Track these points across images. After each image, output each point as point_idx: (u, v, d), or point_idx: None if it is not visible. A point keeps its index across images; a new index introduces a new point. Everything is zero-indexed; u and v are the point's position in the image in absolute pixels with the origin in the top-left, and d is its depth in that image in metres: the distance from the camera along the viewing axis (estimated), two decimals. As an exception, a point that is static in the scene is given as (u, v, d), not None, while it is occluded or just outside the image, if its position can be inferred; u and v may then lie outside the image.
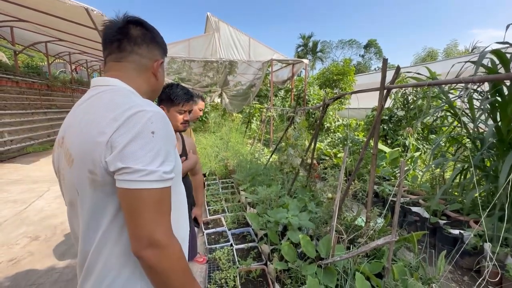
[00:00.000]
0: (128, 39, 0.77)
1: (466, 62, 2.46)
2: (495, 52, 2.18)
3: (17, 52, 8.98)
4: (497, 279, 2.01)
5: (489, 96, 2.39)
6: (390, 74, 1.91)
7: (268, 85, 9.05)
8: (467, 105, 2.68)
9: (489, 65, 2.34)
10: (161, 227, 0.62)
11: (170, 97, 1.52)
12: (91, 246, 0.68)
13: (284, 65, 8.38)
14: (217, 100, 8.91)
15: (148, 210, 0.61)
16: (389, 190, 3.42)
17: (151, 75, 0.82)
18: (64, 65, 17.80)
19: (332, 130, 8.27)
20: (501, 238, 1.62)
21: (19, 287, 2.13)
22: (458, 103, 3.13)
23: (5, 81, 7.22)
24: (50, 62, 11.26)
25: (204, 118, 8.55)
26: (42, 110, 8.61)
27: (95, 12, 4.76)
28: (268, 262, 2.20)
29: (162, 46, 0.85)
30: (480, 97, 2.62)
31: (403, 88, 5.37)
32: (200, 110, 2.39)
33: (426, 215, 2.82)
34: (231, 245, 2.61)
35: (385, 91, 1.94)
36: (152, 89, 0.85)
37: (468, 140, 2.98)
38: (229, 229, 2.90)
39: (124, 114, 0.62)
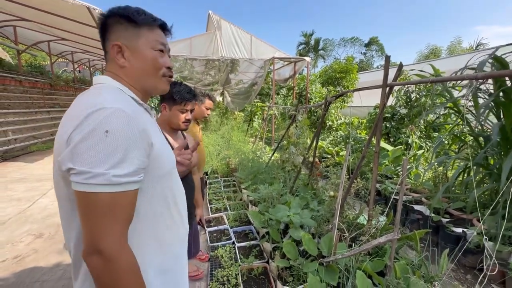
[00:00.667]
0: (102, 35, 0.75)
1: (466, 68, 2.43)
2: (495, 58, 2.16)
3: (20, 52, 9.03)
4: (495, 274, 2.00)
5: (492, 93, 2.37)
6: (392, 72, 1.90)
7: (270, 83, 9.03)
8: (471, 102, 2.65)
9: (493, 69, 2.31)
10: (108, 237, 0.57)
11: (172, 95, 1.52)
12: (70, 244, 0.68)
13: (286, 63, 8.35)
14: (219, 98, 8.90)
15: (94, 216, 0.57)
16: (392, 188, 3.41)
17: (117, 66, 0.73)
18: (66, 64, 17.89)
19: (334, 129, 8.25)
20: (499, 235, 1.60)
21: (24, 284, 2.16)
22: (462, 101, 3.10)
23: (9, 80, 7.28)
24: (53, 61, 11.31)
25: (205, 117, 8.54)
26: (45, 109, 8.67)
27: (97, 11, 4.77)
28: (270, 260, 2.20)
29: (124, 24, 0.72)
30: (484, 95, 2.60)
31: (406, 86, 5.33)
32: (208, 109, 2.36)
33: (428, 213, 2.81)
34: (233, 243, 2.61)
35: (387, 88, 1.92)
36: (133, 76, 0.75)
37: (471, 138, 2.96)
38: (231, 227, 2.91)
39: (84, 112, 0.58)
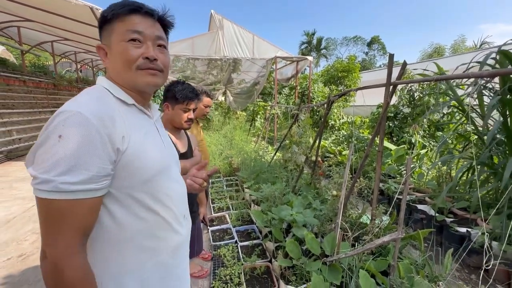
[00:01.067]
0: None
1: (471, 62, 2.41)
2: (502, 52, 2.13)
3: (24, 52, 9.10)
4: (501, 274, 1.98)
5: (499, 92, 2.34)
6: (396, 71, 1.89)
7: (272, 82, 9.02)
8: (476, 101, 2.63)
9: (497, 66, 2.29)
10: (54, 244, 0.56)
11: (175, 95, 1.52)
12: None
13: (288, 62, 8.33)
14: (221, 98, 8.91)
15: (44, 221, 0.56)
16: (395, 187, 3.39)
17: (105, 66, 0.73)
18: (70, 64, 18.00)
19: (336, 128, 8.22)
20: (505, 235, 1.59)
21: (28, 282, 2.17)
22: (466, 99, 3.08)
23: (13, 81, 7.35)
24: (56, 61, 11.39)
25: (208, 116, 8.57)
26: (49, 109, 8.72)
27: (100, 11, 4.79)
28: (273, 259, 2.20)
29: (102, 23, 0.70)
30: (489, 92, 2.57)
31: (409, 85, 5.30)
32: (206, 107, 2.34)
33: (432, 213, 2.79)
34: (236, 242, 2.61)
35: (391, 87, 1.91)
36: (116, 76, 0.71)
37: (476, 137, 2.93)
38: (234, 226, 2.91)
39: (53, 116, 0.58)
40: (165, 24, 0.77)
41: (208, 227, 2.87)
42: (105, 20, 0.69)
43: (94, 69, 16.52)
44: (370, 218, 2.21)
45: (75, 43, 9.68)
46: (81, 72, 16.63)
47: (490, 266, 1.24)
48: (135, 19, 0.68)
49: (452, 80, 2.97)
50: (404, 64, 1.86)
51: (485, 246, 1.22)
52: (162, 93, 1.68)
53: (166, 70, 0.76)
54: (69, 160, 0.54)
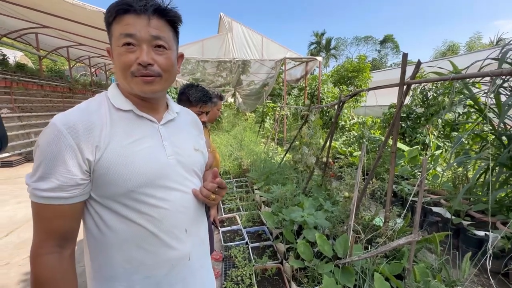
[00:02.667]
0: None
1: (487, 58, 2.33)
2: None
3: (41, 57, 9.45)
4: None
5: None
6: (409, 70, 1.85)
7: (281, 83, 9.00)
8: (493, 100, 2.54)
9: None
10: (33, 241, 0.61)
11: (189, 97, 1.54)
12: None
13: (297, 63, 8.31)
14: (231, 100, 8.97)
15: (32, 220, 0.62)
16: (408, 189, 3.31)
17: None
18: (84, 69, 18.55)
19: (347, 129, 8.12)
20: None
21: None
22: (482, 99, 2.98)
23: (31, 85, 7.64)
24: (71, 66, 11.77)
25: (218, 118, 8.64)
26: (64, 112, 9.03)
27: (113, 16, 4.93)
28: (284, 261, 2.19)
29: (107, 27, 0.67)
30: (505, 91, 2.48)
31: (422, 84, 5.18)
32: (218, 110, 2.34)
33: (448, 215, 2.71)
34: (247, 243, 2.62)
35: (405, 86, 1.88)
36: (116, 77, 0.71)
37: (493, 137, 2.83)
38: (244, 228, 2.92)
39: None
40: (170, 20, 0.67)
41: (219, 229, 2.89)
42: (108, 23, 0.66)
43: (107, 72, 16.98)
44: (383, 220, 2.17)
45: (89, 48, 9.99)
46: (96, 76, 17.11)
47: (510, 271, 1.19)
48: (128, 19, 0.62)
49: (468, 79, 2.89)
50: (418, 63, 1.82)
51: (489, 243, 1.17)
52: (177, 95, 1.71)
53: (168, 73, 0.69)
54: (42, 168, 0.58)
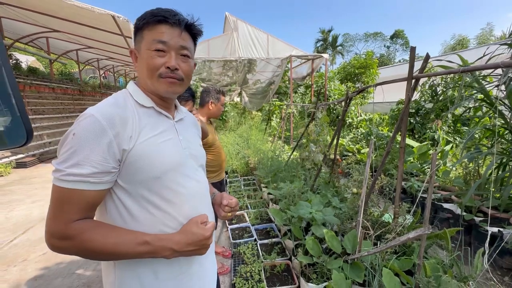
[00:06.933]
0: None
1: (496, 50, 2.27)
2: None
3: (52, 61, 9.68)
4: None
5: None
6: (417, 65, 1.83)
7: (288, 81, 8.98)
8: (505, 93, 2.48)
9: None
10: (51, 226, 0.64)
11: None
12: None
13: (303, 61, 8.28)
14: (237, 99, 9.00)
15: (52, 202, 0.64)
16: (418, 186, 3.27)
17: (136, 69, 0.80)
18: (93, 71, 18.91)
19: (354, 126, 8.04)
20: None
21: (62, 275, 2.32)
22: (494, 92, 2.91)
23: (43, 88, 7.85)
24: (81, 68, 12.02)
25: (224, 117, 8.70)
26: (75, 114, 9.23)
27: (121, 19, 5.02)
28: (292, 257, 2.20)
29: (137, 31, 0.76)
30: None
31: (431, 80, 5.09)
32: (222, 106, 2.28)
33: (459, 212, 2.66)
34: (255, 240, 2.64)
35: (413, 81, 1.86)
36: (141, 80, 0.79)
37: (506, 131, 2.77)
38: (253, 225, 2.94)
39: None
40: (194, 33, 0.79)
41: (227, 225, 2.92)
42: (138, 28, 0.75)
43: (115, 74, 17.25)
44: (392, 216, 2.15)
45: (98, 51, 10.18)
46: (105, 78, 17.43)
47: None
48: (162, 28, 0.72)
49: (478, 72, 2.83)
50: (427, 57, 1.80)
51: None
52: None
53: (187, 79, 0.80)
54: (79, 155, 0.62)
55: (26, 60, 11.36)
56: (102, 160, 0.63)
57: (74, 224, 0.63)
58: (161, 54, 0.72)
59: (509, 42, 2.23)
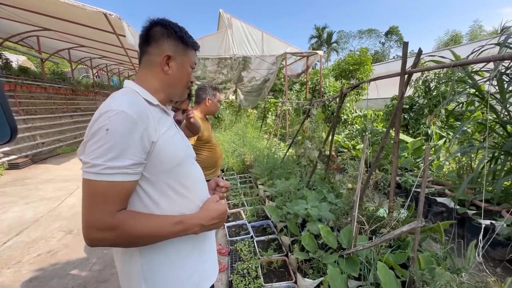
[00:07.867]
0: (143, 42, 0.84)
1: (488, 44, 2.30)
2: None
3: (43, 60, 9.51)
4: None
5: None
6: (410, 60, 1.84)
7: (283, 79, 8.97)
8: (496, 88, 2.52)
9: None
10: (98, 212, 0.66)
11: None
12: None
13: (298, 58, 8.27)
14: (232, 97, 8.97)
15: (88, 197, 0.66)
16: (412, 180, 3.31)
17: (160, 71, 0.84)
18: (85, 70, 18.64)
19: (349, 122, 8.08)
20: None
21: (58, 276, 2.30)
22: (486, 86, 2.95)
23: (35, 88, 7.70)
24: (73, 67, 11.83)
25: (219, 115, 8.66)
26: (68, 114, 9.10)
27: (113, 17, 4.94)
28: (289, 253, 2.22)
29: (176, 40, 0.84)
30: (509, 77, 2.45)
31: (424, 75, 5.13)
32: (218, 102, 2.28)
33: (453, 205, 2.70)
34: (252, 237, 2.65)
35: (406, 76, 1.87)
36: (166, 84, 0.86)
37: (498, 125, 2.81)
38: (249, 222, 2.94)
39: (97, 114, 0.69)
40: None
41: (224, 223, 2.92)
42: (182, 39, 0.85)
43: (109, 73, 17.03)
44: (387, 211, 2.17)
45: (90, 49, 10.02)
46: (98, 77, 17.18)
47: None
48: (194, 54, 0.91)
49: (470, 66, 2.86)
50: (419, 52, 1.81)
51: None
52: None
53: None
54: (116, 149, 0.66)
55: (16, 59, 11.09)
56: (137, 152, 0.69)
57: (118, 214, 0.68)
58: (191, 71, 0.92)
59: (501, 42, 2.25)
